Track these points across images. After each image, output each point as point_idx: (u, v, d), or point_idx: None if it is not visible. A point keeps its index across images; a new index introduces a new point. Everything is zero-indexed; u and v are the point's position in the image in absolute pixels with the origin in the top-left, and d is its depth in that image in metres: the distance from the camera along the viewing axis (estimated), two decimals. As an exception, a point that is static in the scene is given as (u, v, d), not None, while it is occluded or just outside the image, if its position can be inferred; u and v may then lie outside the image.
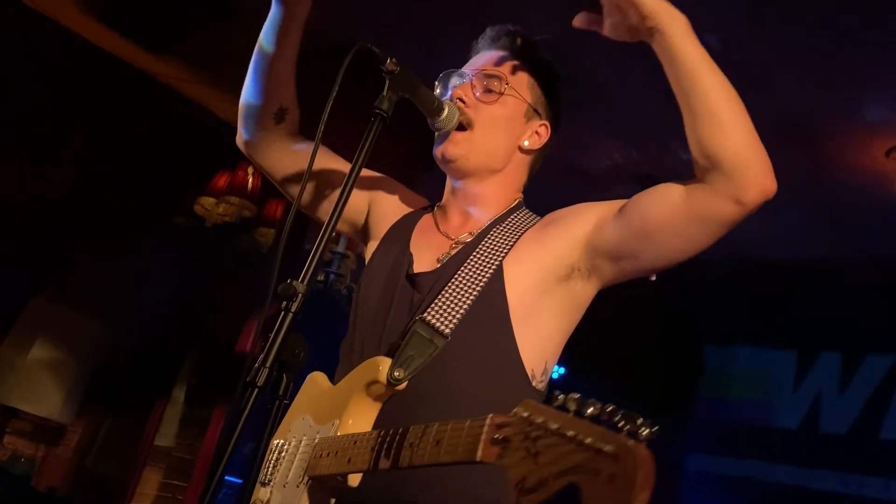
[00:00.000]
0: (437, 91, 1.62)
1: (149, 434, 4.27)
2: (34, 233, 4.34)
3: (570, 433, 0.84)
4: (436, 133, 1.59)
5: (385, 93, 1.40)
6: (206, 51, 4.22)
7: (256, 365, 1.17)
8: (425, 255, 1.54)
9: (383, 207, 1.69)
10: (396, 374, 1.32)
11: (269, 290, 1.25)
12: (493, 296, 1.41)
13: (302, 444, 1.37)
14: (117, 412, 4.70)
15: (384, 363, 1.33)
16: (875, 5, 3.07)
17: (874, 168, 4.11)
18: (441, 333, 1.37)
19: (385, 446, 1.14)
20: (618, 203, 1.44)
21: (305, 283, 1.24)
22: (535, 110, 1.61)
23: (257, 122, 1.70)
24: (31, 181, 4.30)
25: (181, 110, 4.43)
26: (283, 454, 1.41)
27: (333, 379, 1.50)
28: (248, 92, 1.70)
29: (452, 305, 1.39)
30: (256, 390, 1.16)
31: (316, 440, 1.34)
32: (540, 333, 1.43)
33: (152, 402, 4.44)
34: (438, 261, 1.51)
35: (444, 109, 1.52)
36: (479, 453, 0.94)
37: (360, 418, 1.33)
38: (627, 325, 5.17)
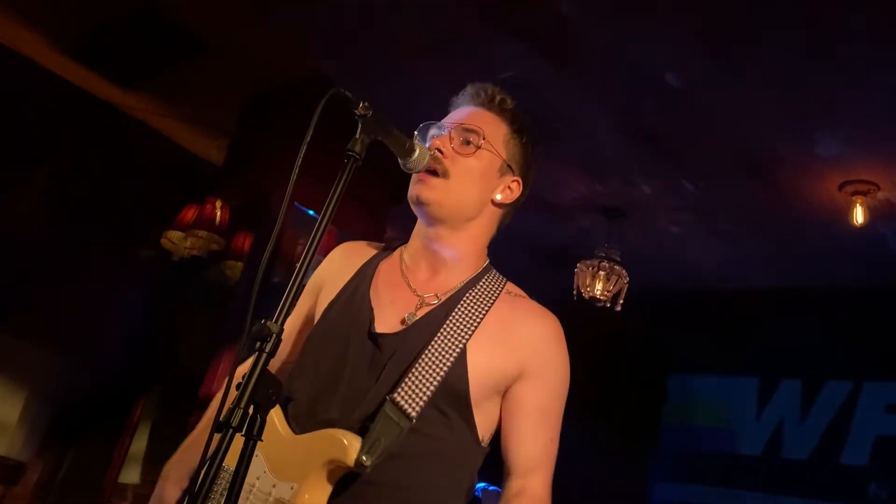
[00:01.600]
0: (416, 141, 1.66)
1: (113, 471, 4.19)
2: (-3, 266, 4.27)
3: None
4: (412, 176, 1.61)
5: (358, 135, 1.42)
6: (173, 85, 4.23)
7: (230, 405, 1.18)
8: (388, 312, 1.54)
9: (333, 277, 1.67)
10: (365, 460, 1.31)
11: (243, 326, 1.26)
12: (456, 379, 1.44)
13: (255, 488, 1.37)
14: (80, 449, 4.60)
15: (352, 445, 1.32)
16: (828, 50, 3.21)
17: (829, 201, 4.25)
18: (407, 416, 1.38)
19: None
20: (522, 420, 1.51)
21: (280, 323, 1.26)
22: (509, 166, 1.64)
23: None
24: (-6, 214, 4.24)
25: (148, 143, 4.43)
26: (225, 483, 1.40)
27: (287, 416, 1.47)
28: None
29: (420, 387, 1.41)
30: (231, 431, 1.16)
31: (271, 495, 1.34)
32: (492, 410, 1.51)
33: (116, 439, 4.35)
34: (403, 322, 1.51)
35: (415, 151, 1.54)
36: None
37: (317, 494, 1.32)
38: (592, 356, 5.22)
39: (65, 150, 4.31)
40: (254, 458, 1.38)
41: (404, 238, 1.75)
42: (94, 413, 4.52)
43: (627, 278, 4.67)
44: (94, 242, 4.56)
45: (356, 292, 1.60)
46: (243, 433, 1.17)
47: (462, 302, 1.53)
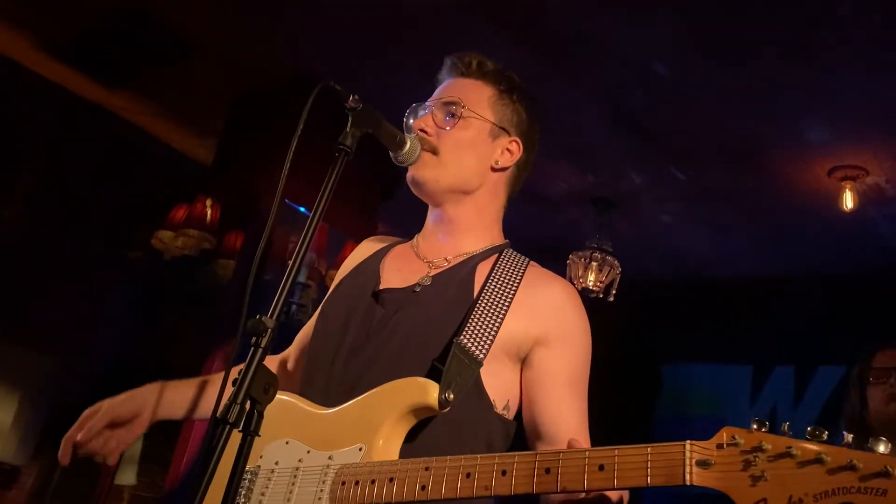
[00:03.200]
0: (406, 125, 1.65)
1: (108, 473, 4.17)
2: (-15, 271, 4.24)
3: (828, 458, 0.91)
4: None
5: (348, 129, 1.41)
6: (162, 85, 4.21)
7: (227, 401, 1.18)
8: (394, 277, 1.56)
9: (349, 264, 1.71)
10: (448, 396, 1.30)
11: (236, 324, 1.26)
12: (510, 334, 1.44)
13: (301, 470, 1.36)
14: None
15: (431, 386, 1.31)
16: (814, 36, 3.23)
17: (818, 186, 4.27)
18: (476, 359, 1.38)
19: (529, 466, 1.12)
20: (552, 388, 1.46)
21: (274, 318, 1.25)
22: (502, 128, 1.61)
23: None
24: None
25: (136, 143, 4.41)
26: (256, 479, 1.39)
27: (313, 393, 1.47)
28: None
29: (483, 333, 1.41)
30: (229, 426, 1.16)
31: (331, 466, 1.32)
32: (498, 372, 1.45)
33: (111, 441, 4.33)
34: (416, 284, 1.52)
35: (406, 143, 1.53)
36: (689, 477, 1.04)
37: (391, 442, 1.32)
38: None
39: (53, 152, 4.29)
40: (286, 445, 1.40)
41: (396, 233, 1.77)
42: (88, 415, 4.49)
43: (619, 269, 4.68)
44: (84, 244, 4.54)
45: (366, 267, 1.62)
46: (240, 429, 1.16)
47: (496, 271, 1.52)
